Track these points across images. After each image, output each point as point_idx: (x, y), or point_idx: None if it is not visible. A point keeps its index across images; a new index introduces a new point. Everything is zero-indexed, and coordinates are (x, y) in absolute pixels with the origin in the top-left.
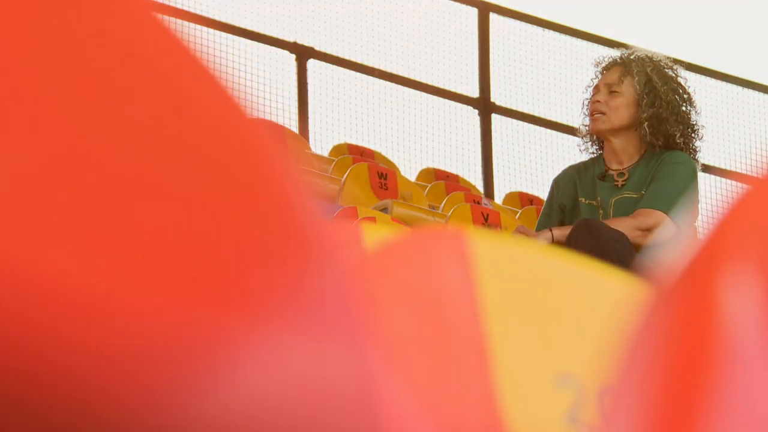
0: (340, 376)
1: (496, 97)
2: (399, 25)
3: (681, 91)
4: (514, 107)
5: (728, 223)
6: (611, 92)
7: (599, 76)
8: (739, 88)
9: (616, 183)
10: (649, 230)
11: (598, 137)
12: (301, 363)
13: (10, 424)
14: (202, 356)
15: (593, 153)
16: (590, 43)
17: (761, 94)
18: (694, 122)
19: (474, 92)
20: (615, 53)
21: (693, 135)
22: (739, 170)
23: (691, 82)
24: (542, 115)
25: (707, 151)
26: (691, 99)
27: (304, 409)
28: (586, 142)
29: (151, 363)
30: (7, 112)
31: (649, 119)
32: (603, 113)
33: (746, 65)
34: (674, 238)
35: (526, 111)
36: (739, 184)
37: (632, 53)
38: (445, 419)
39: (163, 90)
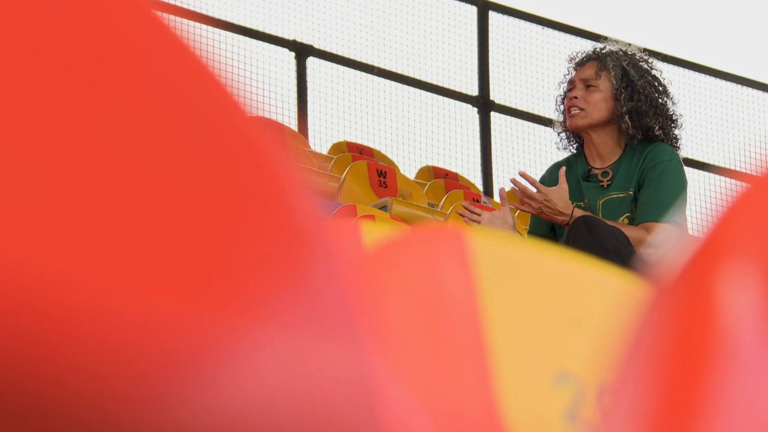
0: (339, 373)
1: (496, 95)
2: (398, 23)
3: (657, 83)
4: (513, 105)
5: (727, 221)
6: (588, 87)
7: (573, 72)
8: (739, 86)
9: (601, 183)
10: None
11: (576, 133)
12: (300, 360)
13: (17, 419)
14: (203, 354)
15: (571, 150)
16: (590, 41)
17: (761, 92)
18: (672, 113)
19: (473, 90)
20: (588, 47)
21: (672, 125)
22: (738, 168)
23: (690, 80)
24: (541, 113)
25: (707, 149)
26: (667, 90)
27: (304, 405)
28: (563, 139)
29: (154, 360)
30: (7, 112)
31: (629, 113)
32: (582, 109)
33: (747, 63)
34: (673, 237)
35: (525, 109)
36: (738, 182)
37: (606, 47)
38: (444, 417)
39: (161, 88)
